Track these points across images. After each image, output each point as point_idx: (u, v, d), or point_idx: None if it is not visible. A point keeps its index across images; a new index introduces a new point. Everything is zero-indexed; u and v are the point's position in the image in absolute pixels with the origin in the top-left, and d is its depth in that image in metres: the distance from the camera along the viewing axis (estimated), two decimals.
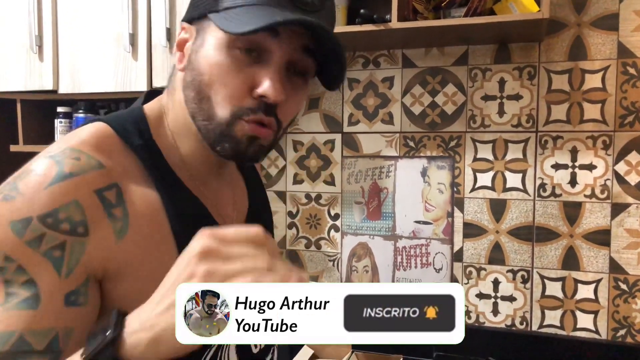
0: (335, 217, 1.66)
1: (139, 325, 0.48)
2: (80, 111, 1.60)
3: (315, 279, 1.69)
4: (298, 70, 0.64)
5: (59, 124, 1.63)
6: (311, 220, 1.68)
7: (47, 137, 1.68)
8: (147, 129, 0.66)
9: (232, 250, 0.48)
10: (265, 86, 0.61)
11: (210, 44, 0.62)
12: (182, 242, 0.57)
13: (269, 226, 0.77)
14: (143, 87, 1.47)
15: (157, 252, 0.61)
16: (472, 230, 1.53)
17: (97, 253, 0.56)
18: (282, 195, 1.71)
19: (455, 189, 1.54)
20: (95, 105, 1.65)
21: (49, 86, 1.55)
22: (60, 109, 1.63)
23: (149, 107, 0.70)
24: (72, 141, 0.60)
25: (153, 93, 0.74)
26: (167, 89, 0.70)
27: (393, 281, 1.61)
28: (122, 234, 0.59)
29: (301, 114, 1.67)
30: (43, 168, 0.57)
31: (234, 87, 0.61)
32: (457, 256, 1.55)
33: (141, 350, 0.47)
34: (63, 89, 1.55)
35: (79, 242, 0.55)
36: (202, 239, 0.48)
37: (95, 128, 0.63)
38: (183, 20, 0.67)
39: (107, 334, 0.48)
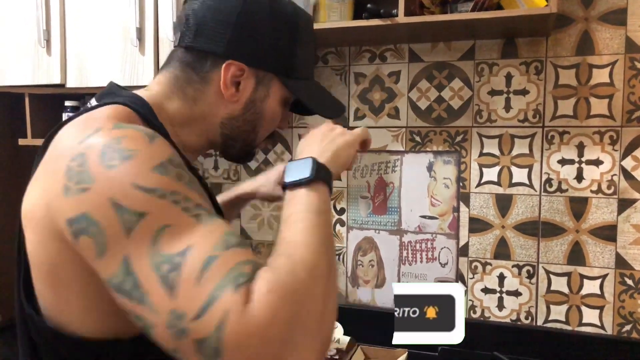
0: (341, 211, 1.66)
1: (324, 152, 0.77)
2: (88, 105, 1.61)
3: None
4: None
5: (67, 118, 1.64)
6: None
7: None
8: (153, 114, 0.74)
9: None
10: (286, 124, 0.90)
11: (275, 99, 0.81)
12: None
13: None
14: (150, 81, 1.47)
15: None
16: (478, 225, 1.53)
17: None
18: None
19: (461, 184, 1.54)
20: None
21: (56, 80, 1.56)
22: (67, 103, 1.64)
23: (147, 96, 0.78)
24: (114, 119, 0.66)
25: (114, 87, 0.83)
26: (179, 90, 0.79)
27: (398, 276, 1.62)
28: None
29: None
30: (128, 132, 0.63)
31: (277, 126, 0.86)
32: (463, 251, 1.55)
33: (328, 162, 0.75)
34: (71, 83, 1.56)
35: (191, 175, 0.64)
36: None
37: (124, 110, 0.69)
38: (236, 59, 0.76)
39: (314, 161, 0.73)
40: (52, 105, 1.69)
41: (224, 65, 0.76)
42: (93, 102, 0.76)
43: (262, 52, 0.78)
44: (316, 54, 0.96)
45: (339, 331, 1.37)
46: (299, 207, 0.68)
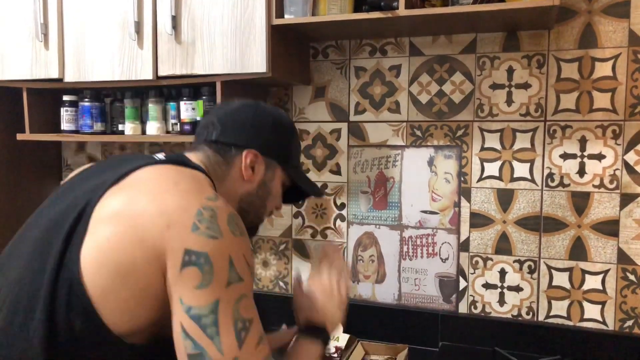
0: (341, 206, 1.65)
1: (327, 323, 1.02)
2: (86, 100, 1.60)
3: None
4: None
5: (65, 113, 1.63)
6: (317, 209, 1.68)
7: (53, 126, 1.68)
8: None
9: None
10: (279, 207, 1.10)
11: (278, 181, 1.05)
12: None
13: None
14: (149, 75, 1.47)
15: None
16: (479, 220, 1.52)
17: None
18: None
19: (462, 179, 1.53)
20: (100, 93, 1.65)
21: (54, 75, 1.55)
22: (66, 98, 1.63)
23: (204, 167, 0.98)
24: (207, 191, 0.85)
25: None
26: (215, 168, 0.98)
27: (399, 271, 1.61)
28: None
29: (307, 104, 1.66)
30: (235, 213, 0.84)
31: (278, 205, 1.08)
32: (464, 246, 1.54)
33: (331, 330, 1.03)
34: (69, 78, 1.55)
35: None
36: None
37: (207, 179, 0.92)
38: (251, 148, 0.99)
39: (322, 328, 1.01)
40: (51, 100, 1.68)
41: (244, 152, 0.99)
42: (160, 155, 0.94)
43: (269, 146, 1.02)
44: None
45: (338, 329, 1.36)
46: (308, 356, 0.97)
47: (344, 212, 1.65)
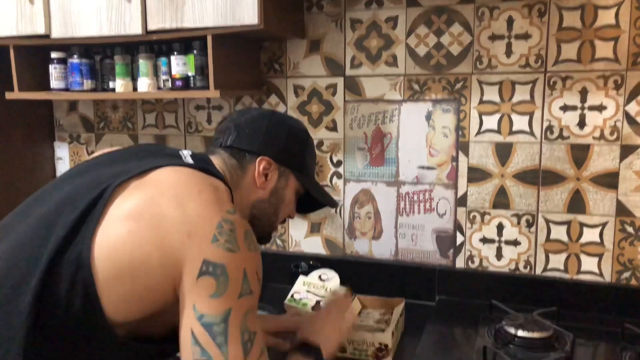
0: (338, 163, 1.63)
1: (324, 347, 1.04)
2: (75, 56, 1.56)
3: (318, 226, 1.68)
4: None
5: (54, 70, 1.59)
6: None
7: (42, 83, 1.64)
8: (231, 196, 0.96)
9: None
10: (293, 215, 1.13)
11: (291, 189, 1.07)
12: None
13: None
14: (138, 29, 1.42)
15: None
16: (477, 175, 1.50)
17: None
18: None
19: (460, 133, 1.51)
20: (90, 50, 1.61)
21: (41, 31, 1.51)
22: (54, 55, 1.59)
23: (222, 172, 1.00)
24: (227, 204, 0.87)
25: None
26: (232, 173, 1.01)
27: (396, 227, 1.60)
28: None
29: (302, 58, 1.62)
30: (250, 228, 0.86)
31: (290, 213, 1.10)
32: (461, 201, 1.53)
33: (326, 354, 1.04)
34: (55, 34, 1.50)
35: None
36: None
37: (227, 190, 0.93)
38: (265, 155, 1.02)
39: (318, 351, 1.02)
40: (39, 58, 1.64)
41: (258, 159, 1.01)
42: (189, 159, 0.95)
43: (283, 153, 1.04)
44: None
45: (335, 282, 1.37)
46: None
47: (340, 169, 1.64)
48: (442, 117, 1.51)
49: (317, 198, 1.10)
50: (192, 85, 1.47)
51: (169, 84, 1.51)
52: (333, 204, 1.15)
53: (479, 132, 1.49)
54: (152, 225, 0.80)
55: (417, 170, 1.56)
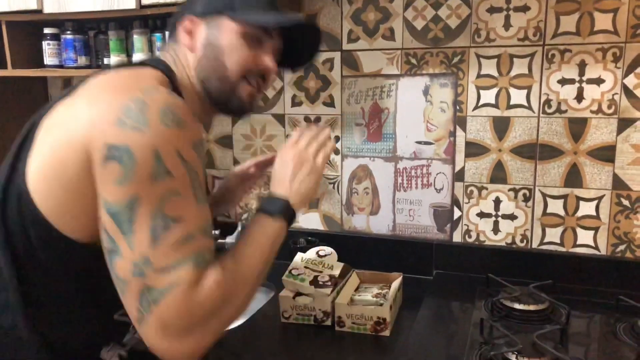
0: (335, 139, 1.63)
1: (292, 194, 0.92)
2: (68, 32, 1.54)
3: (315, 201, 1.69)
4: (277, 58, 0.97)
5: (47, 46, 1.57)
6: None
7: (36, 60, 1.63)
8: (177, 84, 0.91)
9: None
10: (267, 61, 0.95)
11: (228, 33, 0.92)
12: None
13: None
14: (132, 4, 1.40)
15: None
16: (475, 150, 1.50)
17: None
18: (280, 119, 1.67)
19: (457, 107, 1.50)
20: (83, 26, 1.59)
21: (33, 6, 1.48)
22: (47, 31, 1.57)
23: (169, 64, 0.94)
24: (144, 85, 0.80)
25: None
26: (169, 60, 0.93)
27: (393, 203, 1.61)
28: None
29: None
30: (181, 104, 0.78)
31: (245, 59, 0.92)
32: (459, 176, 1.53)
33: (300, 210, 0.93)
34: (48, 9, 1.48)
35: (205, 160, 0.82)
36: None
37: (161, 75, 0.87)
38: (190, 14, 0.93)
39: (284, 200, 0.91)
40: (32, 34, 1.62)
41: (179, 23, 0.94)
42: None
43: (207, 4, 0.94)
44: None
45: (332, 257, 1.38)
46: (263, 233, 0.88)
47: (338, 145, 1.63)
48: (440, 91, 1.50)
49: (260, 24, 0.93)
50: None
51: None
52: (277, 21, 0.95)
53: (476, 107, 1.48)
54: (64, 129, 0.77)
55: (414, 146, 1.55)
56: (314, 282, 1.27)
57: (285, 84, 1.65)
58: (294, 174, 0.93)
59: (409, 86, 1.53)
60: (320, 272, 1.31)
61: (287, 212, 0.91)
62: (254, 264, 0.84)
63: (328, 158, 0.99)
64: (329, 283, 1.26)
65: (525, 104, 1.44)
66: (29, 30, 1.61)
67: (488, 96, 1.47)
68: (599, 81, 1.38)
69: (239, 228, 1.65)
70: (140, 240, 0.71)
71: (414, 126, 1.54)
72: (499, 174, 1.50)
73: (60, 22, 1.55)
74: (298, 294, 1.28)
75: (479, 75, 1.47)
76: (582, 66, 1.39)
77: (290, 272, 1.31)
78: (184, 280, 0.72)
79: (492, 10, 1.43)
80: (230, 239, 1.63)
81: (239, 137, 1.73)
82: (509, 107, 1.46)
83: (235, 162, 1.74)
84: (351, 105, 1.60)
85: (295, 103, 1.65)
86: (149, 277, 0.71)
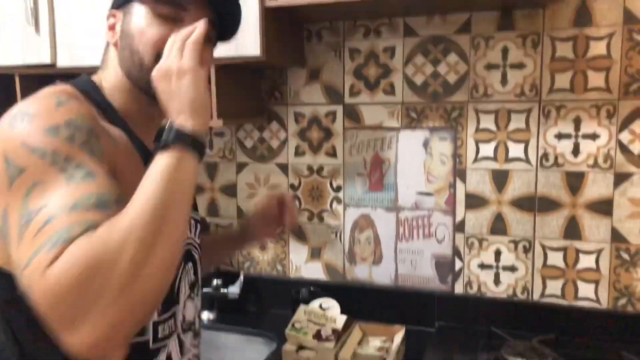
0: (338, 189, 1.66)
1: (178, 114, 0.76)
2: None
3: (318, 251, 1.70)
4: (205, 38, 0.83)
5: None
6: (313, 192, 1.68)
7: None
8: (99, 90, 0.87)
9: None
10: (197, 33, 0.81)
11: (138, 17, 0.85)
12: (146, 164, 0.74)
13: None
14: None
15: (133, 167, 0.80)
16: (474, 202, 1.53)
17: (107, 151, 0.74)
18: (284, 168, 1.71)
19: (457, 160, 1.53)
20: None
21: (46, 60, 1.53)
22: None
23: (94, 77, 0.90)
24: (47, 91, 0.77)
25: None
26: (100, 67, 0.91)
27: (395, 253, 1.62)
28: (115, 144, 0.78)
29: (302, 86, 1.65)
30: (42, 100, 0.74)
31: (155, 40, 0.83)
32: (459, 227, 1.55)
33: (196, 125, 0.75)
34: (61, 63, 1.53)
35: (96, 139, 0.73)
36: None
37: (61, 86, 0.82)
38: (111, 9, 0.89)
39: (177, 126, 0.74)
40: (44, 86, 1.66)
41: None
42: None
43: None
44: None
45: (335, 310, 1.38)
46: (153, 171, 0.71)
47: (340, 194, 1.66)
48: (440, 144, 1.54)
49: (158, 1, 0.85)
50: None
51: None
52: None
53: (475, 160, 1.52)
54: None
55: (415, 196, 1.58)
56: (317, 335, 1.27)
57: (288, 134, 1.69)
58: (167, 92, 0.77)
59: (409, 138, 1.57)
60: (323, 325, 1.31)
61: (179, 137, 0.73)
62: (142, 208, 0.66)
63: (197, 46, 0.78)
64: (332, 337, 1.26)
65: (523, 157, 1.47)
66: (42, 83, 1.64)
67: (486, 150, 1.50)
68: (594, 136, 1.42)
69: (241, 277, 1.66)
70: (14, 247, 0.66)
71: (415, 177, 1.57)
72: (499, 226, 1.51)
73: (74, 75, 1.59)
74: (301, 347, 1.27)
75: (477, 130, 1.51)
76: (577, 122, 1.43)
77: (293, 325, 1.31)
78: (38, 268, 0.61)
79: (489, 67, 1.48)
80: (232, 289, 1.63)
81: (243, 186, 1.75)
82: (507, 160, 1.49)
83: (239, 210, 1.76)
84: (353, 155, 1.63)
85: (298, 153, 1.69)
86: (22, 278, 0.64)
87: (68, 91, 0.80)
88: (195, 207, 1.03)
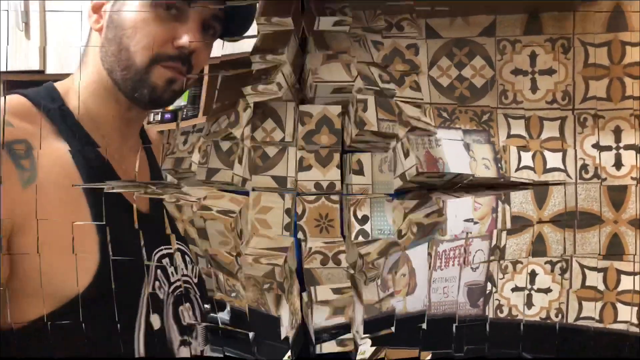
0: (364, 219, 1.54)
1: None
2: None
3: None
4: (209, 32, 0.78)
5: None
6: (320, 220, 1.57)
7: None
8: (58, 96, 0.83)
9: None
10: (185, 38, 0.76)
11: (133, 5, 0.75)
12: (90, 190, 0.70)
13: None
14: None
15: (67, 197, 0.75)
16: (516, 224, 1.40)
17: (6, 200, 0.68)
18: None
19: (499, 165, 1.42)
20: None
21: (35, 66, 1.45)
22: None
23: (59, 82, 0.88)
24: None
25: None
26: (79, 66, 0.86)
27: (429, 282, 1.49)
28: (29, 182, 0.73)
29: None
30: None
31: (154, 40, 0.75)
32: (497, 253, 1.44)
33: None
34: (50, 69, 1.44)
35: None
36: None
37: (10, 97, 0.81)
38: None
39: None
40: None
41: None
42: None
43: None
44: None
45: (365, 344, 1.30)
46: None
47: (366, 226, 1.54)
48: (479, 148, 1.39)
49: None
50: (183, 116, 1.42)
51: (159, 117, 1.45)
52: None
53: (518, 168, 1.40)
54: None
55: (463, 224, 1.42)
56: None
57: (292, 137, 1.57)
58: None
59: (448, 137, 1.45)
60: None
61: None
62: None
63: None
64: None
65: (562, 167, 1.38)
66: (28, 88, 1.57)
67: (526, 158, 1.40)
68: (635, 147, 1.33)
69: (228, 307, 1.55)
70: None
71: (462, 202, 1.42)
72: (538, 247, 1.40)
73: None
74: None
75: (509, 136, 1.40)
76: (617, 132, 1.34)
77: None
78: None
79: (516, 72, 1.39)
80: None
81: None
82: (546, 171, 1.39)
83: None
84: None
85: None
86: None
87: (18, 102, 0.78)
88: None
